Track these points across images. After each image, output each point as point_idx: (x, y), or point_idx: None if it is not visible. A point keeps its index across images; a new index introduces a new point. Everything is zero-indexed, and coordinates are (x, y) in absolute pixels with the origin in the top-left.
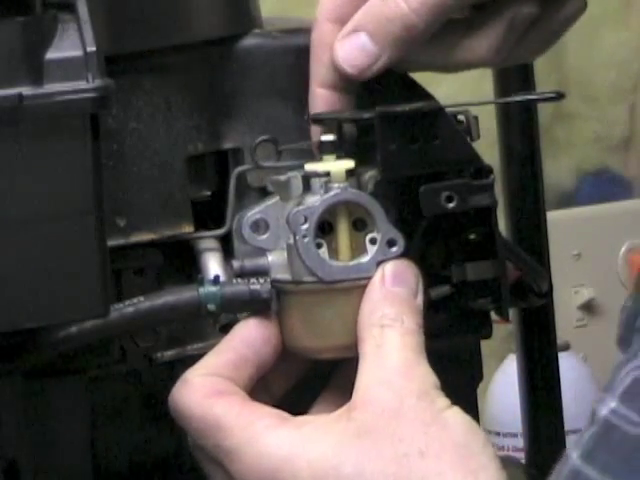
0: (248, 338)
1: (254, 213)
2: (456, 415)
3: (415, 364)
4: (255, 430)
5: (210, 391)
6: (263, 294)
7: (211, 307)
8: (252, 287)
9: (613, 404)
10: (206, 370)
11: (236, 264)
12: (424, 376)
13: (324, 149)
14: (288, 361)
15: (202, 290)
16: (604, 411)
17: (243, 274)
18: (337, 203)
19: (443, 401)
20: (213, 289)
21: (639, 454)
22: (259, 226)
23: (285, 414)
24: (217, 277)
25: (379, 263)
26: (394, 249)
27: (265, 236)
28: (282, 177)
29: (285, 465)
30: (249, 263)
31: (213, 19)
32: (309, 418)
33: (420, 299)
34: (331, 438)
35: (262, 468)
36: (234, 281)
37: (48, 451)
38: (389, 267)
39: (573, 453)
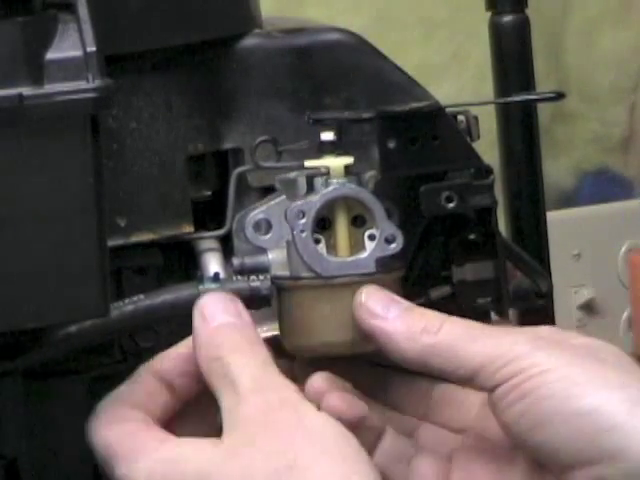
0: (160, 371)
1: (257, 213)
2: (325, 421)
3: (265, 377)
4: (138, 452)
5: (110, 419)
6: (263, 290)
7: None
8: (252, 284)
9: None
10: (114, 397)
11: (236, 261)
12: (279, 384)
13: (324, 148)
14: None
15: (202, 287)
16: None
17: (243, 271)
18: (335, 198)
19: (307, 407)
20: (213, 286)
21: None
22: (262, 226)
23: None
24: (217, 274)
25: (378, 259)
26: (393, 245)
27: (268, 236)
28: (291, 175)
29: None
30: (249, 260)
31: (213, 19)
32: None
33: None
34: (204, 457)
35: None
36: (234, 278)
37: (49, 451)
38: (205, 306)
39: None
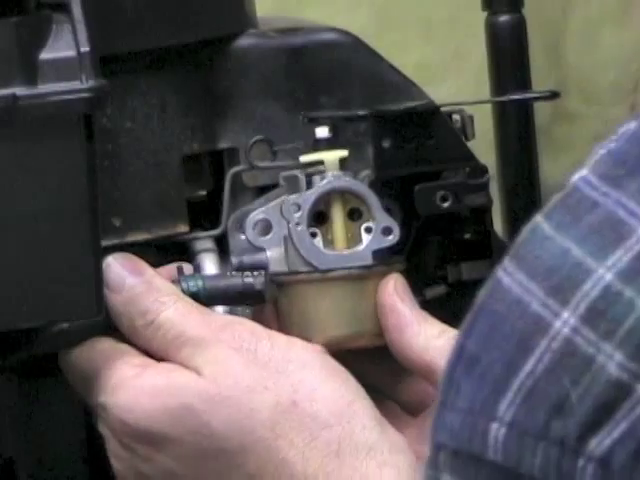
0: None
1: (257, 214)
2: (303, 348)
3: (213, 319)
4: (117, 381)
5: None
6: (257, 286)
7: (194, 296)
8: (246, 280)
9: (584, 172)
10: None
11: (235, 260)
12: (234, 320)
13: (319, 145)
14: None
15: (183, 283)
16: (574, 178)
17: (241, 269)
18: (331, 191)
19: (279, 336)
20: (192, 283)
21: (589, 214)
22: (262, 227)
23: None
24: (197, 268)
25: (375, 252)
26: (390, 237)
27: (268, 237)
28: (295, 172)
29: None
30: (247, 258)
31: (208, 19)
32: (165, 367)
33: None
34: (192, 388)
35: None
36: (228, 274)
37: (45, 450)
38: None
39: (539, 213)
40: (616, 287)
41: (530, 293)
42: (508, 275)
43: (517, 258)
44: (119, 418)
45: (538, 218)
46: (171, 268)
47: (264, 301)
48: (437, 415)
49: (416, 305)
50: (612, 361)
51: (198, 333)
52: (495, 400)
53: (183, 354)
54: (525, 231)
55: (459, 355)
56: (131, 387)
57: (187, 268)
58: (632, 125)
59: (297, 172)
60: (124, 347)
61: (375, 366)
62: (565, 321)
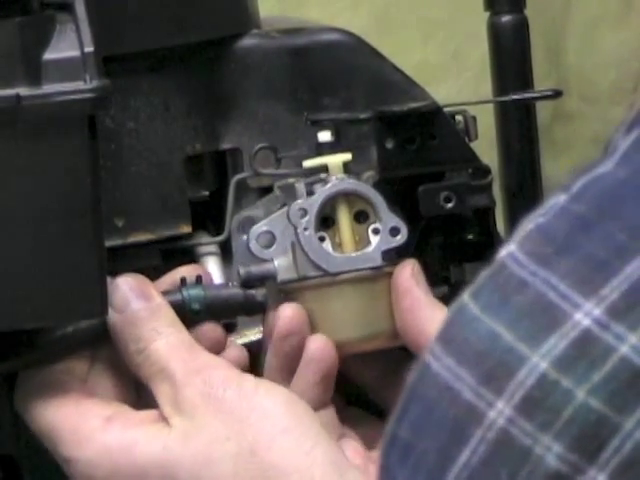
0: None
1: (259, 226)
2: (270, 395)
3: (196, 357)
4: (83, 435)
5: (46, 391)
6: (258, 297)
7: (195, 306)
8: (247, 291)
9: (512, 247)
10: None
11: (242, 271)
12: (213, 363)
13: (322, 149)
14: None
15: (185, 292)
16: (502, 253)
17: (250, 281)
18: (336, 194)
19: (249, 382)
20: (194, 292)
21: (518, 295)
22: (265, 239)
23: (112, 409)
24: (199, 278)
25: (384, 252)
26: (398, 237)
27: (272, 248)
28: (290, 181)
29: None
30: (256, 269)
31: (211, 19)
32: (132, 420)
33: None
34: (158, 444)
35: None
36: (230, 284)
37: (45, 448)
38: (114, 297)
39: (466, 292)
40: (552, 376)
41: (460, 380)
42: (437, 359)
43: (444, 341)
44: (86, 473)
45: (465, 297)
46: (174, 275)
47: (264, 312)
48: None
49: (430, 292)
50: (551, 452)
51: (175, 373)
52: None
53: (161, 390)
54: (451, 311)
55: (392, 443)
56: (97, 441)
57: (193, 269)
58: (561, 199)
59: (293, 180)
60: (89, 399)
61: (368, 378)
62: (500, 411)
